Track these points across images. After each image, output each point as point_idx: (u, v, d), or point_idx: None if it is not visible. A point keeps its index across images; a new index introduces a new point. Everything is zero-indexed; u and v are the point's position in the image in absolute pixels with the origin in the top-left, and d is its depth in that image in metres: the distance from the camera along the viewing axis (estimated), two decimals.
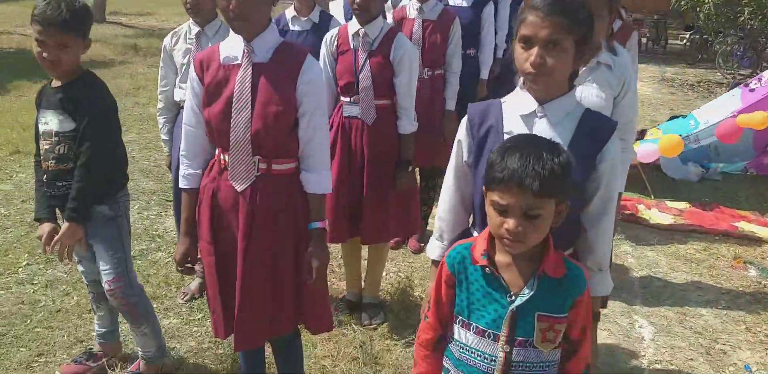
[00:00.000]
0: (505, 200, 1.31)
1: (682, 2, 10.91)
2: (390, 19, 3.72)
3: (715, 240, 4.14)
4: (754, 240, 4.17)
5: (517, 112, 1.58)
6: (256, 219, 1.91)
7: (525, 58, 1.49)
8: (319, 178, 1.95)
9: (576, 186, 1.49)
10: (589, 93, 2.30)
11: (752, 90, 5.08)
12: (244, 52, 1.84)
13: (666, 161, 4.93)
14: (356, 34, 2.75)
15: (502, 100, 1.65)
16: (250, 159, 1.88)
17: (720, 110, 5.04)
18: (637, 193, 4.91)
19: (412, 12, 3.58)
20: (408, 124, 2.80)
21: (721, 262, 3.83)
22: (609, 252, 1.67)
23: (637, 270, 3.68)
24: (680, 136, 4.83)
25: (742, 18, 9.65)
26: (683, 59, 12.93)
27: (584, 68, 2.31)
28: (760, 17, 9.63)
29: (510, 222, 1.32)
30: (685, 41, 13.15)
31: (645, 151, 4.71)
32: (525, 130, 1.56)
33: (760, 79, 5.16)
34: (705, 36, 11.73)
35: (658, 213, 4.55)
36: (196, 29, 2.84)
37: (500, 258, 1.43)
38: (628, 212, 4.47)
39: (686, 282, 3.57)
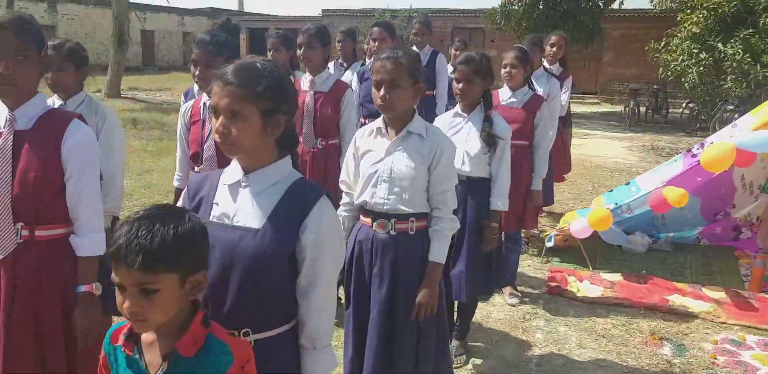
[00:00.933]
0: (118, 277, 1.23)
1: (668, 73, 10.97)
2: None
3: (639, 315, 3.90)
4: (682, 315, 3.91)
5: (226, 181, 1.55)
6: (18, 286, 1.90)
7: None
8: (88, 241, 1.94)
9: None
10: (399, 162, 2.29)
11: (694, 155, 4.94)
12: (6, 120, 1.88)
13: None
14: (204, 104, 2.80)
15: (226, 169, 1.61)
16: (12, 227, 1.87)
17: (659, 177, 4.89)
18: (573, 264, 4.72)
19: (305, 84, 3.66)
20: None
21: (636, 339, 3.58)
22: (326, 329, 1.55)
23: (542, 346, 3.46)
24: (615, 204, 4.68)
25: (726, 86, 9.61)
26: (682, 128, 12.84)
27: (396, 137, 2.30)
28: (744, 84, 9.58)
29: (126, 302, 1.23)
30: (681, 110, 13.11)
31: (578, 226, 4.56)
32: (231, 200, 1.52)
33: (702, 145, 5.03)
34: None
35: (588, 285, 4.33)
36: (59, 103, 2.93)
37: (146, 335, 1.33)
38: (554, 284, 4.27)
39: (590, 359, 3.33)
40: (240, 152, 1.47)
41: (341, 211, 2.41)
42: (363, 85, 4.38)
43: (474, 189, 3.11)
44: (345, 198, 2.46)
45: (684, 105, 12.86)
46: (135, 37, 25.00)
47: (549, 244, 4.82)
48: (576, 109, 17.84)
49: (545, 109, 3.86)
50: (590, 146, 11.24)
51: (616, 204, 4.69)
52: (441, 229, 2.29)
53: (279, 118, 1.48)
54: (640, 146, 11.15)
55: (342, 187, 2.47)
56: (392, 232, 2.27)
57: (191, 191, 1.58)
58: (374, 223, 2.27)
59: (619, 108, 16.14)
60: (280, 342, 1.49)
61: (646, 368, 3.25)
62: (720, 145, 4.11)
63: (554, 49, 4.92)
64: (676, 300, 4.11)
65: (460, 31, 20.52)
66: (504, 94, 3.90)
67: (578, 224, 4.56)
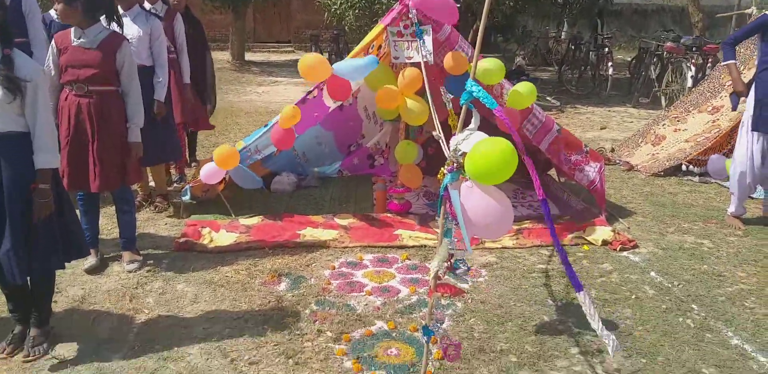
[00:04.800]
0: None
1: (331, 16, 11.28)
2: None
3: (267, 255, 3.81)
4: (309, 247, 3.93)
5: None
6: None
7: None
8: None
9: None
10: None
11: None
12: None
13: (234, 174, 4.55)
14: None
15: None
16: None
17: None
18: (215, 214, 4.47)
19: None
20: None
21: (256, 281, 3.47)
22: None
23: (150, 311, 3.12)
24: (244, 145, 4.48)
25: None
26: None
27: None
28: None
29: None
30: None
31: (207, 170, 4.26)
32: None
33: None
34: None
35: (225, 234, 4.12)
36: None
37: None
38: (183, 240, 3.96)
39: (201, 313, 3.10)
40: None
41: None
42: None
43: (8, 148, 2.58)
44: None
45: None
46: None
47: (185, 198, 4.47)
48: (271, 57, 17.82)
49: (127, 49, 3.39)
50: (273, 93, 11.21)
51: (245, 146, 4.49)
52: None
53: None
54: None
55: None
56: None
57: None
58: None
59: None
60: None
61: (257, 309, 3.14)
62: (312, 56, 4.07)
63: None
64: (307, 232, 4.13)
65: None
66: (74, 34, 3.33)
67: (207, 167, 4.26)
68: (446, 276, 2.35)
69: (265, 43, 20.10)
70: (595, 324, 2.33)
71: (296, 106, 4.12)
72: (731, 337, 2.97)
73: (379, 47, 4.43)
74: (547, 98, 9.59)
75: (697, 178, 5.61)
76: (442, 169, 2.35)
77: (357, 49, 4.37)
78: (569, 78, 11.48)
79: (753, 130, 4.14)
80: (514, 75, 10.14)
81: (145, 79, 4.12)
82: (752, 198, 4.83)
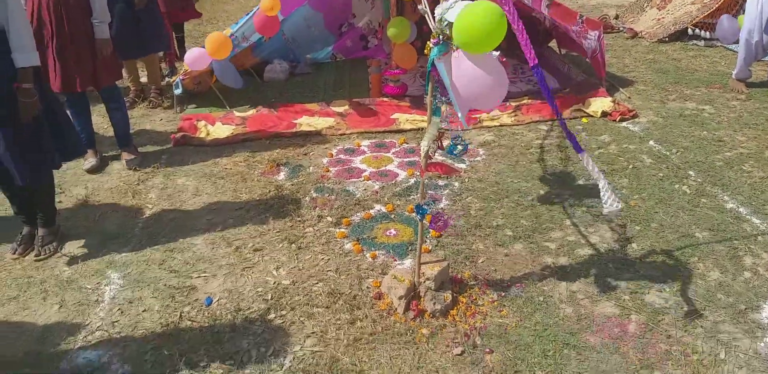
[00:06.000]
0: None
1: None
2: None
3: (264, 147, 3.80)
4: (306, 136, 3.91)
5: None
6: None
7: None
8: None
9: None
10: None
11: None
12: None
13: (217, 68, 4.41)
14: None
15: None
16: None
17: None
18: (210, 107, 4.40)
19: None
20: None
21: (256, 171, 3.49)
22: None
23: (153, 206, 3.19)
24: (231, 33, 4.29)
25: None
26: None
27: None
28: None
29: None
30: None
31: (193, 56, 4.11)
32: None
33: None
34: None
35: (221, 126, 4.08)
36: None
37: None
38: (180, 135, 3.93)
39: (203, 205, 3.16)
40: None
41: None
42: None
43: None
44: None
45: None
46: None
47: (177, 91, 4.39)
48: None
49: None
50: None
51: (231, 33, 4.29)
52: None
53: None
54: None
55: None
56: None
57: None
58: None
59: None
60: None
61: (258, 198, 3.19)
62: None
63: None
64: (303, 121, 4.08)
65: None
66: None
67: (193, 53, 4.10)
68: (439, 157, 2.32)
69: None
70: (601, 183, 2.30)
71: None
72: (727, 201, 3.00)
73: None
74: None
75: (702, 43, 5.38)
76: (428, 42, 2.23)
77: None
78: None
79: None
80: None
81: None
82: (760, 60, 4.65)
